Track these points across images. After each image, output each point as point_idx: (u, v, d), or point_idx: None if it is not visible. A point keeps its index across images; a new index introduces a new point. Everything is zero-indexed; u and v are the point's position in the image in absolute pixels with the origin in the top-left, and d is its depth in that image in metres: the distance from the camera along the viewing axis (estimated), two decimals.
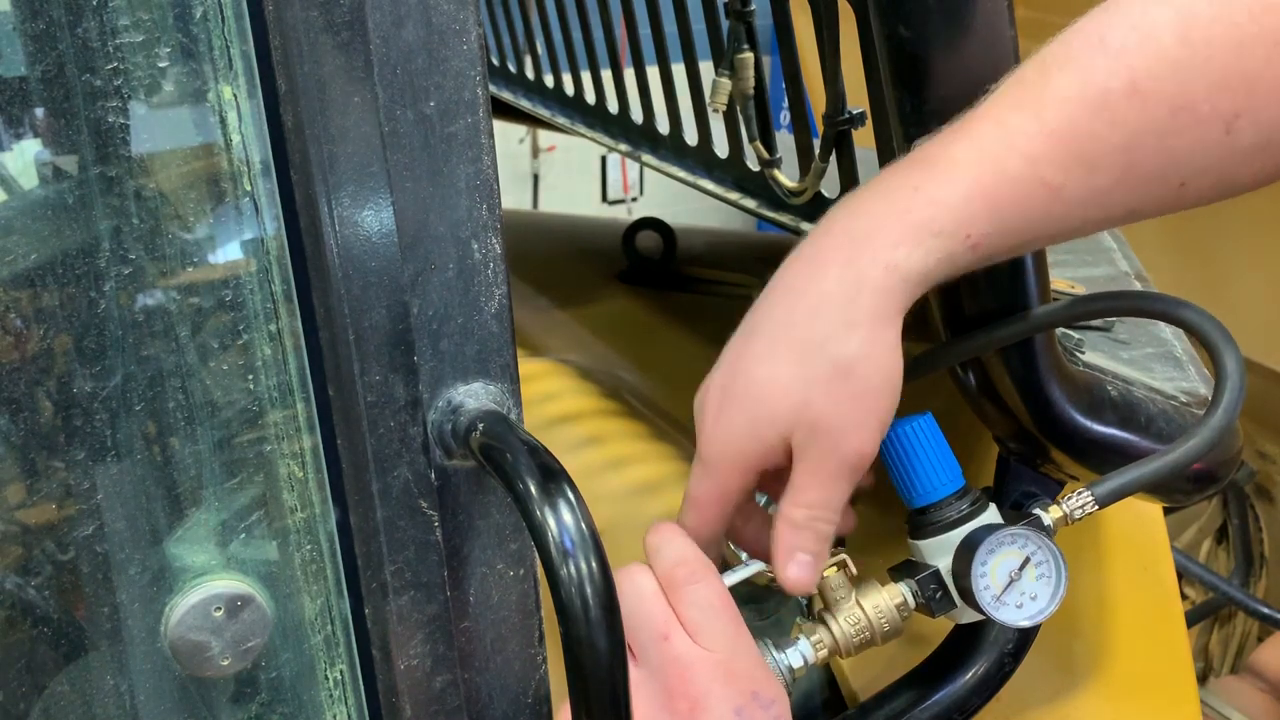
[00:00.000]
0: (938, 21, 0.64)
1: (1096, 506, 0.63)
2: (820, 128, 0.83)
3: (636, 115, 1.17)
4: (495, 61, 1.51)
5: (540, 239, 1.66)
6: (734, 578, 0.69)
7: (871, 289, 0.59)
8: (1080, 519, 0.64)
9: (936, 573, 0.67)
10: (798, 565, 0.63)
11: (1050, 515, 0.64)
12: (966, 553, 0.65)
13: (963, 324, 0.68)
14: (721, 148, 1.02)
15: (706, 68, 0.97)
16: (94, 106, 0.52)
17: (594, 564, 0.49)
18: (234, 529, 0.60)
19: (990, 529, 0.65)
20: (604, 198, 4.61)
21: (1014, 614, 0.65)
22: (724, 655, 0.62)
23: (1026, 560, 0.64)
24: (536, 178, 4.45)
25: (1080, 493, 0.64)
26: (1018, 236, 0.60)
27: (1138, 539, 1.02)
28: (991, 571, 0.64)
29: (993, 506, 0.68)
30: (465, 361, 0.58)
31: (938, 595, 0.67)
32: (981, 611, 0.65)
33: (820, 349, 0.59)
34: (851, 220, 0.61)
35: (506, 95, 1.46)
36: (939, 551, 0.67)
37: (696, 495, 0.66)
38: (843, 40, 0.77)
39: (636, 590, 0.64)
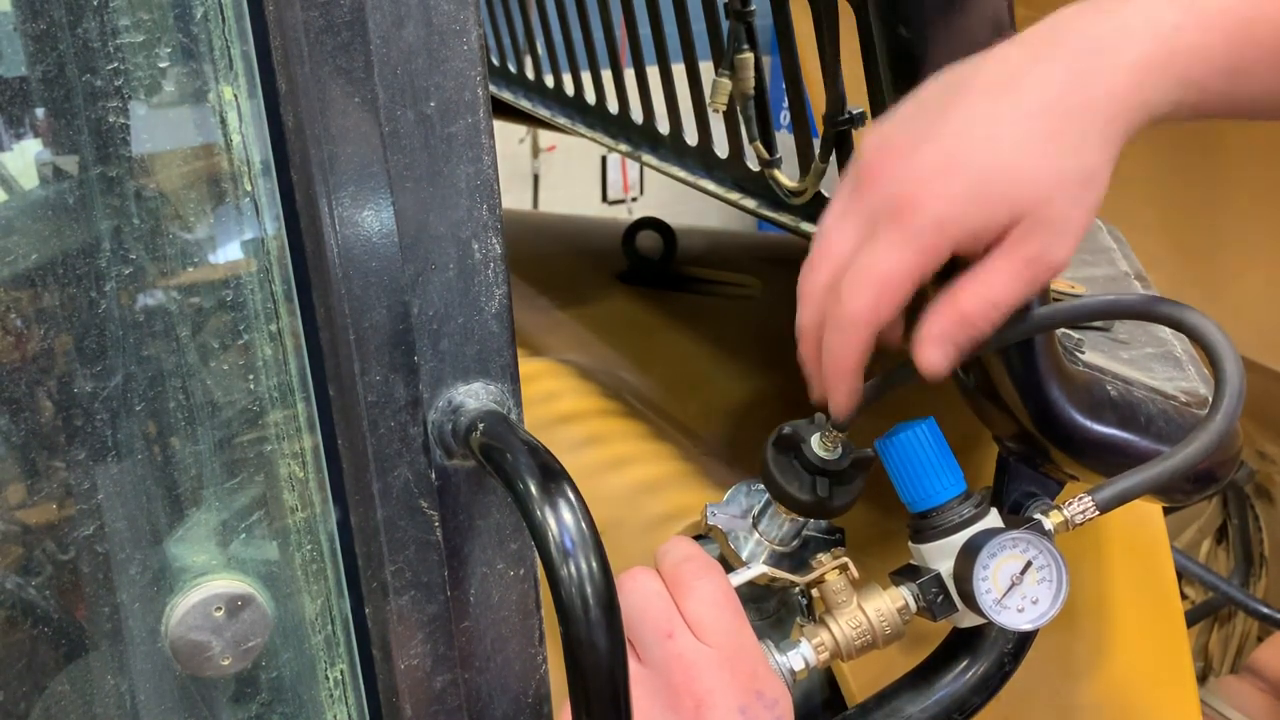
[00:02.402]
0: (938, 22, 0.64)
1: (1098, 512, 0.63)
2: (820, 128, 0.83)
3: (636, 115, 1.17)
4: (495, 61, 1.51)
5: (540, 239, 1.66)
6: (738, 579, 0.69)
7: (1127, 117, 0.58)
8: (1081, 524, 0.64)
9: (938, 576, 0.67)
10: (942, 353, 0.60)
11: (1051, 520, 0.64)
12: (968, 556, 0.65)
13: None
14: (721, 148, 1.02)
15: (706, 68, 0.97)
16: (94, 106, 0.52)
17: (594, 564, 0.49)
18: (234, 529, 0.60)
19: (992, 533, 0.65)
20: (604, 198, 4.61)
21: (1015, 618, 0.65)
22: (728, 652, 0.62)
23: (1028, 564, 0.64)
24: (536, 178, 4.45)
25: (1081, 498, 0.64)
26: (1230, 103, 0.60)
27: (1138, 539, 1.02)
28: (993, 575, 0.64)
29: (994, 510, 0.68)
30: (465, 361, 0.58)
31: (939, 599, 0.67)
32: (983, 615, 0.65)
33: (1075, 153, 0.58)
34: (1117, 38, 0.59)
35: (506, 95, 1.46)
36: (940, 555, 0.67)
37: (888, 267, 0.59)
38: (843, 40, 0.77)
39: (640, 589, 0.64)
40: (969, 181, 0.58)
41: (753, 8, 0.89)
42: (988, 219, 0.58)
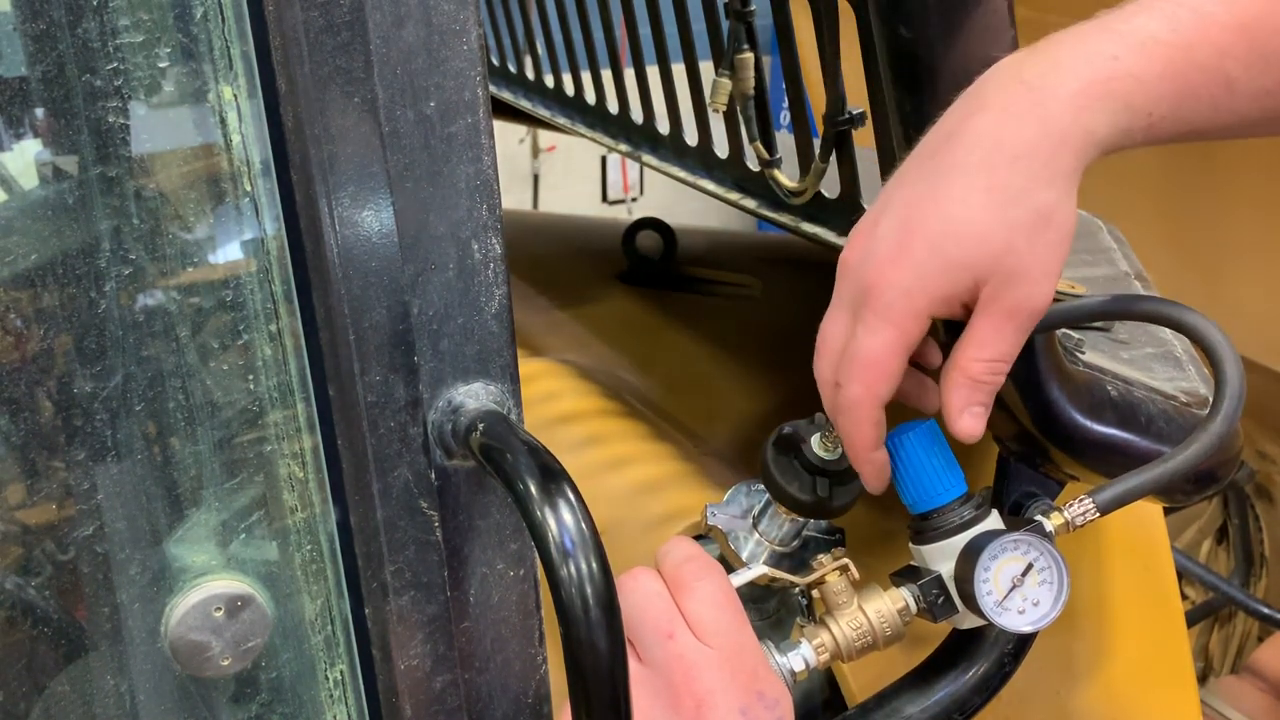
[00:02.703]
0: (938, 22, 0.64)
1: (1098, 514, 0.64)
2: (820, 128, 0.83)
3: (636, 115, 1.17)
4: (495, 61, 1.51)
5: (540, 239, 1.66)
6: (738, 579, 0.69)
7: (1071, 147, 0.59)
8: (1082, 525, 0.64)
9: (939, 578, 0.67)
10: (973, 417, 0.62)
11: (1052, 522, 0.65)
12: (969, 558, 0.65)
13: (963, 325, 0.68)
14: (721, 148, 1.02)
15: (706, 68, 0.97)
16: (94, 106, 0.52)
17: (594, 564, 0.49)
18: (234, 529, 0.60)
19: (993, 535, 0.65)
20: (604, 198, 4.61)
21: (1016, 619, 0.65)
22: (729, 653, 0.62)
23: (1029, 566, 0.64)
24: (536, 178, 4.45)
25: (1081, 500, 0.64)
26: (1185, 124, 0.60)
27: (1138, 539, 1.02)
28: (994, 577, 0.64)
29: (995, 512, 0.68)
30: (465, 361, 0.58)
31: (940, 600, 0.67)
32: (984, 617, 0.65)
33: (1022, 196, 0.58)
34: (1050, 74, 0.60)
35: (506, 95, 1.46)
36: (941, 556, 0.67)
37: (870, 350, 0.61)
38: (843, 40, 0.77)
39: (640, 589, 0.64)
40: (924, 251, 0.60)
41: (753, 8, 0.89)
42: (951, 284, 0.60)
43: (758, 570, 0.70)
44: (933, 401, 0.67)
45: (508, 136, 4.05)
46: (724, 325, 1.31)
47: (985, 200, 0.59)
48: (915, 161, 0.63)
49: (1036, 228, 0.59)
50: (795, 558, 0.73)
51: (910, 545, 0.70)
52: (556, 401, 1.10)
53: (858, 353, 0.62)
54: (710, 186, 1.05)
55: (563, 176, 4.49)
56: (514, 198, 4.34)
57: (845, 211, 0.87)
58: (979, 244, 0.59)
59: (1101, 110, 0.58)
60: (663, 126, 1.13)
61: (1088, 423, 0.72)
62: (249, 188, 0.57)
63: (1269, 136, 0.64)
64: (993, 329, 0.60)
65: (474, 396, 0.58)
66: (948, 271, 0.59)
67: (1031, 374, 0.70)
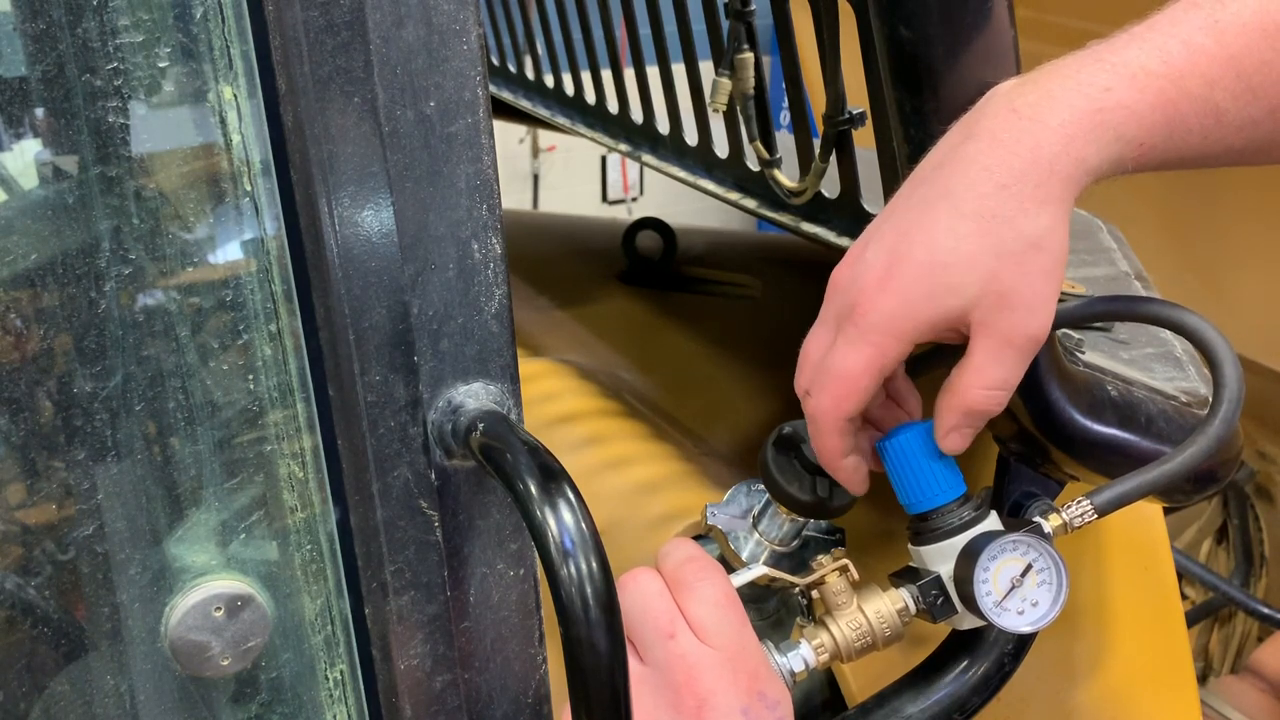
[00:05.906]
0: (938, 22, 0.64)
1: (1096, 515, 0.64)
2: (820, 128, 0.83)
3: (636, 115, 1.17)
4: (495, 61, 1.51)
5: (540, 239, 1.66)
6: (738, 579, 0.69)
7: (1061, 175, 0.59)
8: (1080, 527, 0.64)
9: (938, 578, 0.67)
10: (960, 435, 0.64)
11: (1050, 523, 0.65)
12: (968, 559, 0.65)
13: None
14: (721, 148, 1.02)
15: (706, 68, 0.97)
16: (94, 106, 0.52)
17: (594, 564, 0.49)
18: (234, 529, 0.60)
19: (992, 535, 0.65)
20: (604, 198, 4.61)
21: (1015, 620, 0.65)
22: (730, 654, 0.62)
23: (1028, 567, 0.64)
24: (536, 178, 4.45)
25: (1079, 501, 0.64)
26: (1175, 153, 0.61)
27: (1138, 539, 1.02)
28: (993, 578, 0.64)
29: (993, 514, 0.68)
30: (465, 361, 0.58)
31: (939, 601, 0.67)
32: (983, 617, 0.65)
33: (1010, 223, 0.59)
34: (1041, 104, 0.60)
35: (506, 95, 1.46)
36: (940, 557, 0.67)
37: (844, 364, 0.62)
38: (843, 40, 0.77)
39: (641, 589, 0.64)
40: (912, 276, 0.60)
41: (753, 8, 0.89)
42: (938, 309, 0.60)
43: (758, 570, 0.71)
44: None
45: (508, 136, 4.05)
46: (724, 325, 1.31)
47: (972, 227, 0.59)
48: (907, 188, 0.63)
49: (1026, 254, 0.59)
50: (795, 558, 0.73)
51: (909, 546, 0.70)
52: (556, 401, 1.10)
53: (832, 365, 0.63)
54: (710, 186, 1.05)
55: (563, 176, 4.49)
56: (514, 198, 4.34)
57: (845, 211, 0.87)
58: (965, 271, 0.59)
59: (1093, 140, 0.59)
60: (663, 126, 1.13)
61: (1088, 423, 0.72)
62: (249, 188, 0.57)
63: (1254, 165, 0.64)
64: (989, 356, 0.61)
65: (474, 396, 0.58)
66: (933, 298, 0.60)
67: (1031, 374, 0.70)
